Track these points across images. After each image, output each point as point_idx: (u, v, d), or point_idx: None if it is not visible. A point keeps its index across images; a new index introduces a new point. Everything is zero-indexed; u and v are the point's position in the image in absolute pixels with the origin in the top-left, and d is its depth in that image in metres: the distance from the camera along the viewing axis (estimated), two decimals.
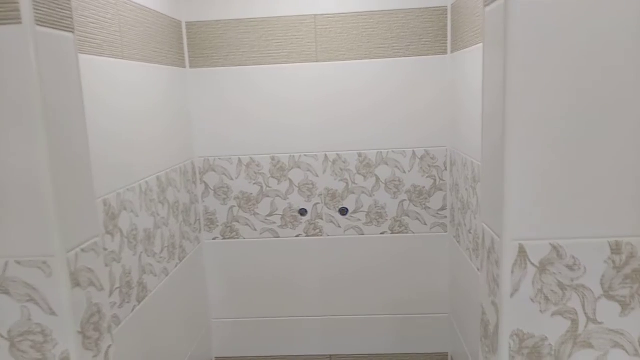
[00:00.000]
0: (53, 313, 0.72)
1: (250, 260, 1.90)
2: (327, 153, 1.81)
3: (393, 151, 1.80)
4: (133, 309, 1.28)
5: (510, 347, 0.70)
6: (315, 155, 1.82)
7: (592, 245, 0.67)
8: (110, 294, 1.16)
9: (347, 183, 1.83)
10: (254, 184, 1.85)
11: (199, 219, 1.87)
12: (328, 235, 1.87)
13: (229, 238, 1.89)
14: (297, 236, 1.88)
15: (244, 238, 1.89)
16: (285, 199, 1.86)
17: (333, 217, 1.86)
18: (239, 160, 1.83)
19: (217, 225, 1.88)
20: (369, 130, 1.78)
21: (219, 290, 1.92)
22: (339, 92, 1.77)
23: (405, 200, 1.83)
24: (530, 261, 0.68)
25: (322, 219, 1.86)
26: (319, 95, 1.77)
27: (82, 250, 0.76)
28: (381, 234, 1.86)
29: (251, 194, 1.86)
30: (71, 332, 0.73)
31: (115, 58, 1.24)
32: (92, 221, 0.80)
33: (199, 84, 1.78)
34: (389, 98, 1.76)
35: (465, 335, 1.65)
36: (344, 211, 1.85)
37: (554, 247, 0.67)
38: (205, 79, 1.78)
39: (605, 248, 0.67)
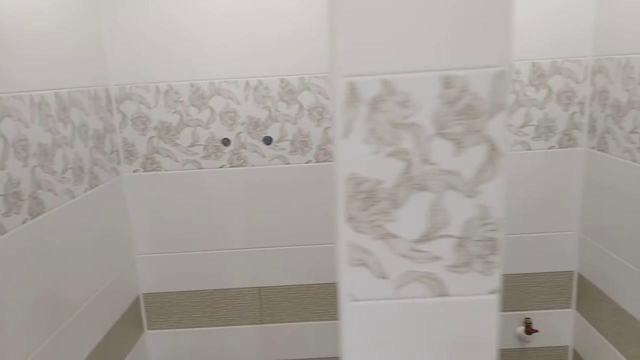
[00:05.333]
0: None
1: (173, 193, 1.86)
2: (247, 79, 1.77)
3: (315, 76, 1.76)
4: (24, 221, 1.23)
5: (346, 193, 0.69)
6: (236, 81, 1.77)
7: (422, 80, 0.65)
8: None
9: (269, 111, 1.80)
10: (174, 112, 1.80)
11: (117, 150, 1.81)
12: (253, 166, 1.84)
13: (150, 170, 1.84)
14: (220, 167, 1.84)
15: (166, 170, 1.84)
16: (206, 129, 1.81)
17: (257, 146, 1.83)
18: (157, 87, 1.77)
19: (137, 157, 1.83)
20: (288, 56, 1.74)
21: (142, 225, 1.88)
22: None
23: (330, 127, 1.81)
24: (360, 99, 0.66)
25: (245, 148, 1.83)
26: (238, 18, 1.72)
27: None
28: (306, 163, 1.84)
29: (171, 123, 1.80)
30: None
31: None
32: None
33: (113, 6, 1.70)
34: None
35: None
36: (268, 140, 1.82)
37: (385, 83, 0.65)
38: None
39: (435, 82, 0.65)
